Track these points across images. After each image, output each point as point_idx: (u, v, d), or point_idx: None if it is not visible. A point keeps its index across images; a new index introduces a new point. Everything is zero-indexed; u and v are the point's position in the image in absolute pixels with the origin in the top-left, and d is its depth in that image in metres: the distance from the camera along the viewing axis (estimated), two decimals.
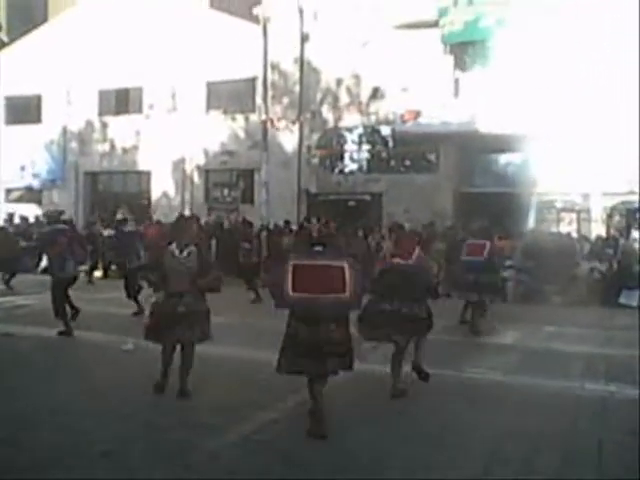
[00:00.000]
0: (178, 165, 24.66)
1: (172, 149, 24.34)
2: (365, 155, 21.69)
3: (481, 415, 6.84)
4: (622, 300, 15.37)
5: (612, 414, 6.99)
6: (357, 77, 21.55)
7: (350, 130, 21.87)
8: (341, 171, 22.08)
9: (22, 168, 26.95)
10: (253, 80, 23.00)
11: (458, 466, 5.53)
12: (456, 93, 19.85)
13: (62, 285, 10.95)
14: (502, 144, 18.88)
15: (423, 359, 7.83)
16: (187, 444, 5.83)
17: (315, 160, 22.41)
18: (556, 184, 18.68)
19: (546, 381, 8.12)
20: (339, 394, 6.52)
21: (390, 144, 21.26)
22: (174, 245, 7.21)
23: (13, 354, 9.58)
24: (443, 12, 19.60)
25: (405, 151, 20.99)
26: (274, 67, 22.49)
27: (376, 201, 21.56)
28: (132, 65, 24.28)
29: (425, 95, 19.55)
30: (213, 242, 19.46)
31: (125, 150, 25.59)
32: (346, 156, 21.96)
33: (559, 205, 19.63)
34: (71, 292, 11.21)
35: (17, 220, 21.16)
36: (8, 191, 27.92)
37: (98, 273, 18.91)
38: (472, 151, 19.89)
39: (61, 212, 12.49)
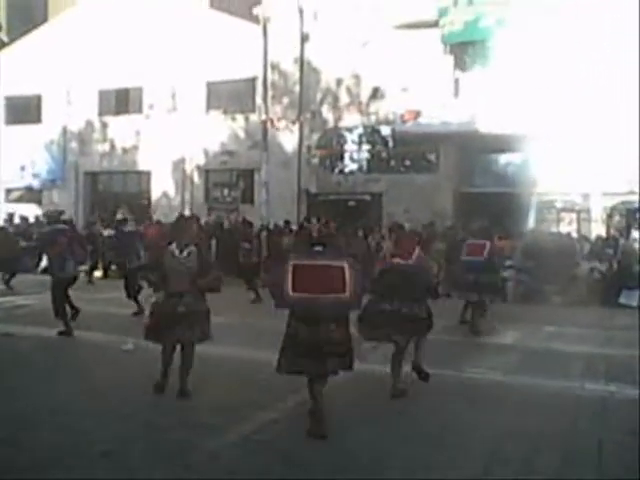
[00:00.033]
0: (178, 165, 24.66)
1: (172, 149, 24.34)
2: (365, 155, 21.69)
3: (481, 415, 6.84)
4: (622, 300, 15.36)
5: (612, 414, 6.99)
6: (357, 77, 21.55)
7: (350, 130, 21.87)
8: (341, 171, 22.08)
9: (22, 168, 26.96)
10: (253, 80, 23.00)
11: (458, 466, 5.53)
12: (456, 93, 19.86)
13: (62, 285, 10.95)
14: (502, 144, 18.88)
15: (423, 359, 7.83)
16: (187, 444, 5.83)
17: (315, 160, 22.41)
18: (556, 184, 18.68)
19: (546, 381, 8.12)
20: (339, 394, 6.52)
21: (390, 144, 21.26)
22: (174, 245, 7.21)
23: (13, 354, 9.58)
24: (443, 12, 19.60)
25: (405, 151, 20.99)
26: (274, 67, 22.50)
27: (376, 201, 21.56)
28: (132, 65, 24.29)
29: (425, 95, 19.55)
30: (213, 242, 19.46)
31: (125, 150, 25.59)
32: (346, 156, 21.96)
33: (559, 205, 19.63)
34: (71, 292, 11.22)
35: (17, 220, 21.15)
36: (8, 191, 27.93)
37: (98, 273, 18.91)
38: (472, 151, 19.89)
39: (61, 212, 12.48)
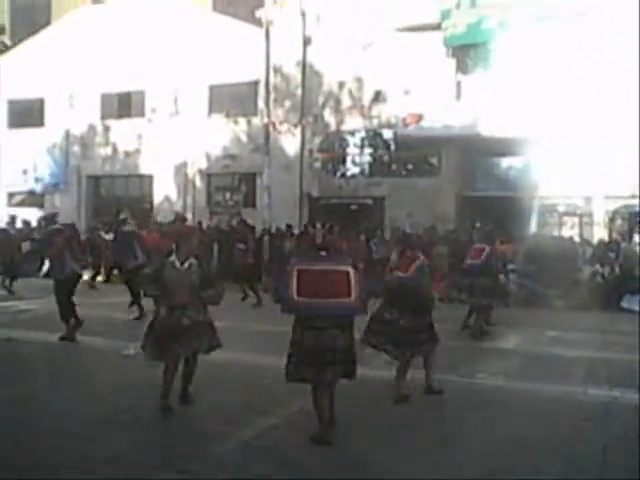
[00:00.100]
0: (180, 169, 24.67)
1: (174, 153, 24.35)
2: (367, 159, 21.67)
3: (483, 421, 6.83)
4: (624, 304, 15.33)
5: (615, 419, 6.97)
6: (359, 80, 21.54)
7: (352, 133, 21.86)
8: (343, 175, 22.07)
9: (24, 172, 27.02)
10: (255, 83, 23.00)
11: (461, 471, 5.52)
12: (458, 96, 19.84)
13: (65, 287, 10.90)
14: (504, 147, 18.85)
15: (433, 378, 7.77)
16: (189, 450, 5.83)
17: (317, 164, 22.41)
18: (558, 188, 18.64)
19: (548, 386, 8.10)
20: (341, 399, 6.48)
21: (392, 148, 21.24)
22: (174, 257, 7.11)
23: (15, 359, 9.59)
24: (445, 15, 19.60)
25: (407, 155, 20.97)
26: (276, 70, 22.50)
27: (378, 205, 21.54)
28: (134, 69, 24.31)
29: (427, 98, 19.56)
30: (215, 247, 19.50)
31: (127, 154, 25.61)
32: (348, 160, 21.95)
33: (561, 209, 19.59)
34: (74, 298, 11.16)
35: (19, 224, 21.16)
36: (10, 195, 27.95)
37: (100, 277, 18.91)
38: (474, 154, 19.86)
39: (55, 214, 12.48)
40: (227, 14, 23.80)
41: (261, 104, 22.65)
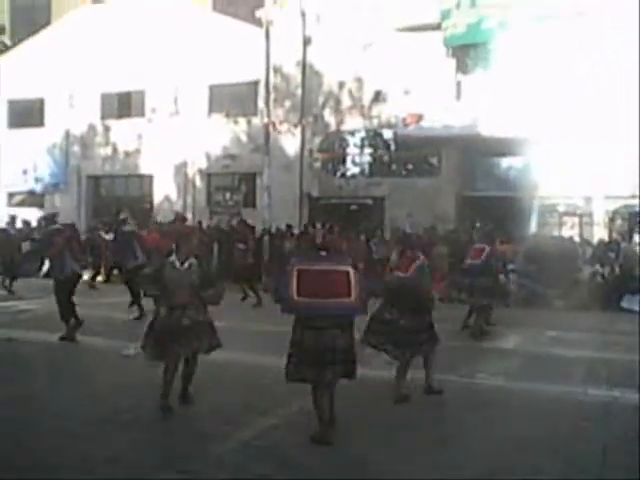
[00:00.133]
0: (180, 169, 24.67)
1: (174, 153, 24.35)
2: (367, 159, 21.67)
3: (483, 421, 6.83)
4: (624, 304, 15.33)
5: (615, 419, 6.98)
6: (359, 80, 21.54)
7: (352, 133, 21.86)
8: (343, 175, 22.07)
9: (24, 172, 27.03)
10: (255, 83, 23.00)
11: (461, 471, 5.52)
12: (458, 96, 19.84)
13: (65, 287, 10.90)
14: (504, 147, 18.85)
15: (433, 378, 7.77)
16: (189, 450, 5.83)
17: (317, 164, 22.41)
18: (558, 188, 18.64)
19: (548, 386, 8.10)
20: (341, 399, 6.48)
21: (392, 148, 21.24)
22: (174, 257, 7.09)
23: (15, 359, 9.59)
24: (446, 15, 19.60)
25: (407, 155, 20.97)
26: (276, 70, 22.50)
27: (378, 205, 21.54)
28: (134, 68, 24.31)
29: (427, 98, 19.56)
30: (215, 247, 19.50)
31: (127, 154, 25.61)
32: (348, 160, 21.95)
33: (561, 209, 19.58)
34: (74, 297, 11.16)
35: (19, 224, 21.17)
36: (10, 195, 27.95)
37: (100, 277, 18.91)
38: (474, 154, 19.86)
39: (55, 214, 12.49)
40: (227, 14, 23.79)
41: (261, 104, 22.65)
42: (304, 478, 5.41)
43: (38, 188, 27.19)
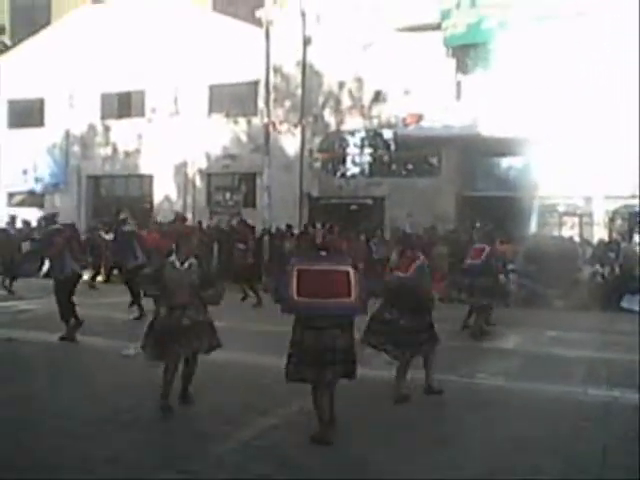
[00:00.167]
0: (180, 169, 24.67)
1: (174, 153, 24.35)
2: (367, 159, 21.67)
3: (483, 421, 6.83)
4: (624, 304, 15.33)
5: (615, 419, 6.98)
6: (359, 80, 21.54)
7: (352, 133, 21.85)
8: (343, 175, 22.07)
9: (24, 172, 27.03)
10: (255, 83, 22.99)
11: (461, 471, 5.52)
12: (458, 96, 19.84)
13: (65, 287, 10.89)
14: (504, 147, 18.85)
15: (433, 378, 7.75)
16: (188, 450, 5.83)
17: (317, 164, 22.41)
18: (558, 187, 18.64)
19: (548, 386, 8.10)
20: (341, 399, 6.49)
21: (392, 148, 21.24)
22: (174, 257, 7.09)
23: (15, 359, 9.59)
24: (446, 15, 19.60)
25: (407, 155, 20.97)
26: (276, 70, 22.50)
27: (378, 205, 21.54)
28: (134, 68, 24.30)
29: (427, 98, 19.56)
30: (215, 247, 19.49)
31: (127, 154, 25.61)
32: (348, 160, 21.94)
33: (561, 209, 19.58)
34: (74, 297, 11.15)
35: (19, 224, 21.19)
36: (10, 195, 27.95)
37: (100, 277, 18.91)
38: (474, 154, 19.86)
39: (55, 214, 12.50)
40: (227, 14, 23.80)
41: (261, 104, 22.64)
42: (304, 478, 5.41)
43: (38, 188, 27.19)
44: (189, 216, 22.23)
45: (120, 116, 25.84)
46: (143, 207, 24.92)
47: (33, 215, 22.70)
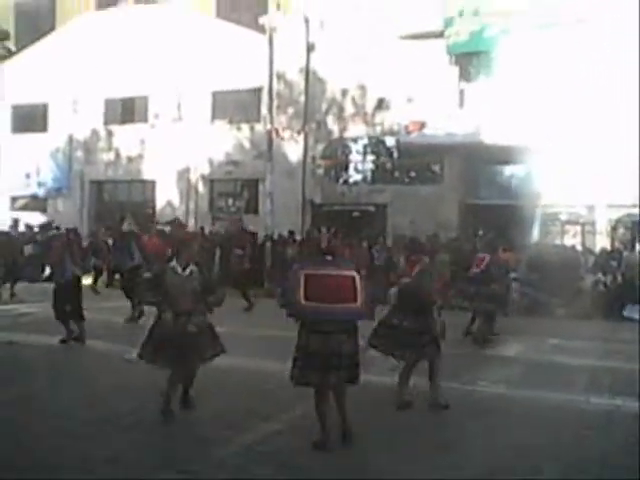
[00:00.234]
0: (183, 174, 24.70)
1: (177, 158, 24.38)
2: (370, 166, 21.68)
3: (485, 428, 6.81)
4: (626, 313, 15.32)
5: (617, 428, 6.96)
6: (362, 88, 21.57)
7: (355, 141, 21.87)
8: (345, 182, 22.08)
9: (27, 176, 27.04)
10: (258, 90, 23.01)
11: (462, 478, 5.49)
12: (461, 104, 19.87)
13: (66, 288, 10.90)
14: (507, 155, 18.84)
15: (440, 392, 7.54)
16: (191, 453, 5.82)
17: (320, 170, 22.42)
18: (561, 196, 18.63)
19: (550, 394, 8.08)
20: None
21: (395, 155, 21.25)
22: (175, 262, 7.04)
23: (16, 362, 9.58)
24: (449, 22, 19.65)
25: (410, 162, 20.98)
26: (280, 77, 22.53)
27: (380, 212, 21.54)
28: (138, 74, 24.35)
29: (430, 106, 19.58)
30: (217, 253, 19.45)
31: (130, 159, 25.64)
32: (351, 167, 21.96)
33: (564, 217, 19.57)
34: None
35: (22, 228, 21.23)
36: (13, 199, 27.96)
37: (101, 282, 18.88)
38: (477, 162, 19.87)
39: (50, 222, 12.60)
40: (230, 21, 23.86)
41: (264, 110, 22.66)
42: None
43: (41, 192, 27.22)
44: (191, 222, 22.25)
45: (123, 121, 25.89)
46: (146, 212, 24.91)
47: (35, 219, 22.73)
